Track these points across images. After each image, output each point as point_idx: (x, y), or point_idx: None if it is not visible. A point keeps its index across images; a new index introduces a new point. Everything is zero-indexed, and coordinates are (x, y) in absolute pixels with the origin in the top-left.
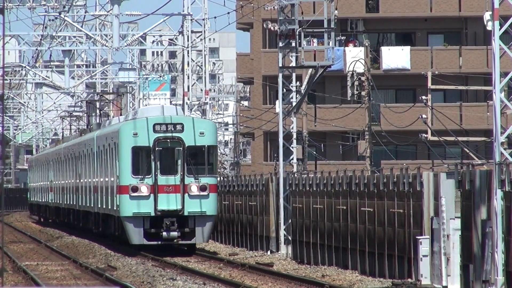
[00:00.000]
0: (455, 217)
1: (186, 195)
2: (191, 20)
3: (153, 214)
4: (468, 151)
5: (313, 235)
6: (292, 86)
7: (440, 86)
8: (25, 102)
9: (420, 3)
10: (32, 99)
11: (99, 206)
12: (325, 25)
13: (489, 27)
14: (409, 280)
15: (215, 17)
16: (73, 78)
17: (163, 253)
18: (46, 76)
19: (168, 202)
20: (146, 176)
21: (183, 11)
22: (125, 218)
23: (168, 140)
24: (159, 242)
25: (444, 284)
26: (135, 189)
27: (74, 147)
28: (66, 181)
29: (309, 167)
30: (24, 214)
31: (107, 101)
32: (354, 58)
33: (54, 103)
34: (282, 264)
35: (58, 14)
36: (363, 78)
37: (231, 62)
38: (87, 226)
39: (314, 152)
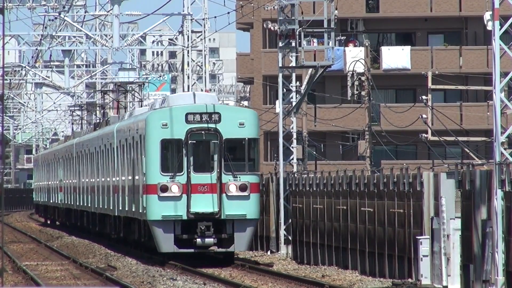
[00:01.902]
0: (455, 217)
1: (223, 195)
2: (191, 20)
3: (185, 217)
4: (468, 151)
5: (313, 235)
6: (292, 86)
7: (440, 86)
8: (25, 102)
9: (420, 3)
10: (32, 99)
11: (120, 208)
12: (325, 25)
13: (489, 27)
14: (409, 280)
15: (215, 17)
16: (73, 78)
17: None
18: (46, 76)
19: (203, 204)
20: (177, 174)
21: (183, 11)
22: (153, 222)
23: (203, 132)
24: (193, 250)
25: (444, 284)
26: (165, 188)
27: (88, 142)
28: (79, 180)
29: (309, 167)
30: (24, 214)
31: (125, 91)
32: (354, 58)
33: (54, 103)
34: (282, 264)
35: (58, 14)
36: (363, 78)
37: (231, 62)
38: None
39: (314, 152)
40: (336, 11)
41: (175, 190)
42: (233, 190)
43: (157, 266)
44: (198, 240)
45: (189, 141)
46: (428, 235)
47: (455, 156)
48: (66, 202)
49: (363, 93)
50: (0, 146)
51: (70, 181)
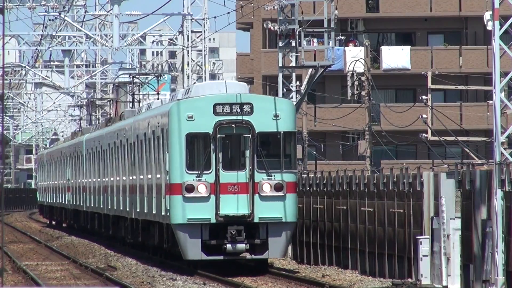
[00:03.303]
0: (455, 217)
1: (256, 196)
2: (191, 20)
3: (214, 220)
4: (468, 151)
5: (313, 235)
6: (292, 86)
7: (440, 86)
8: (25, 102)
9: (420, 3)
10: (32, 99)
11: (138, 210)
12: (325, 25)
13: (489, 27)
14: (409, 280)
15: (215, 17)
16: (73, 78)
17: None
18: (46, 76)
19: (233, 206)
20: (205, 172)
21: (183, 11)
22: (177, 227)
23: (233, 125)
24: (222, 257)
25: (444, 284)
26: (191, 188)
27: (100, 138)
28: (90, 180)
29: (309, 167)
30: (24, 214)
31: (140, 84)
32: (354, 58)
33: (54, 103)
34: (282, 264)
35: (58, 14)
36: (363, 78)
37: (231, 62)
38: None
39: (314, 152)
40: (336, 11)
41: (202, 190)
42: (267, 190)
43: (156, 266)
44: (228, 246)
45: (218, 135)
46: (428, 235)
47: (455, 156)
48: (74, 203)
49: (363, 93)
50: (0, 146)
51: (79, 180)
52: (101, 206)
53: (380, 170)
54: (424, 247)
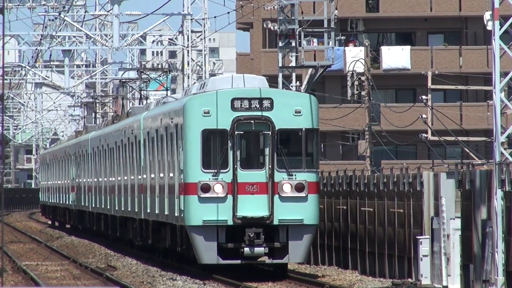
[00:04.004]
0: (455, 217)
1: (276, 196)
2: (191, 20)
3: (231, 222)
4: (468, 151)
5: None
6: (292, 86)
7: (440, 86)
8: (25, 102)
9: (420, 3)
10: (32, 99)
11: (149, 211)
12: (325, 25)
13: (489, 27)
14: (409, 280)
15: (215, 17)
16: (73, 78)
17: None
18: (46, 76)
19: (252, 207)
20: (222, 171)
21: (183, 11)
22: (192, 229)
23: (252, 121)
24: (239, 261)
25: (444, 284)
26: (207, 188)
27: (107, 136)
28: (96, 179)
29: None
30: (24, 214)
31: (148, 80)
32: (354, 58)
33: (54, 103)
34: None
35: (58, 14)
36: (363, 78)
37: (231, 62)
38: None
39: None
40: (336, 11)
41: (218, 190)
42: (287, 190)
43: (156, 266)
44: (246, 249)
45: (236, 132)
46: (428, 235)
47: (455, 156)
48: (79, 203)
49: (363, 93)
50: (0, 146)
51: (84, 180)
52: (108, 207)
53: (380, 170)
54: (424, 247)
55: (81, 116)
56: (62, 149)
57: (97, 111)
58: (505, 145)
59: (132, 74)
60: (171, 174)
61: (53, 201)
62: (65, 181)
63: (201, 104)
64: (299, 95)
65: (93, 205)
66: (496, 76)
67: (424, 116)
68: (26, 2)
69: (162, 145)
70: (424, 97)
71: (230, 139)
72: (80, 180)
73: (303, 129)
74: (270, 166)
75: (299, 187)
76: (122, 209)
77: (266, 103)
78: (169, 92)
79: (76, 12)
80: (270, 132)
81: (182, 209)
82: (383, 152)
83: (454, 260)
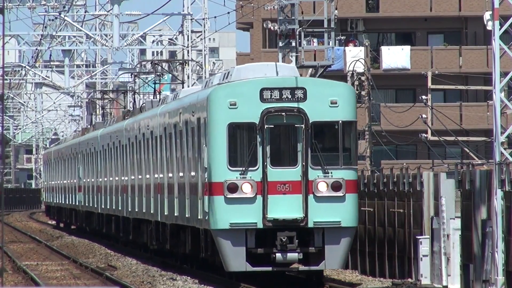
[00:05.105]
0: (455, 217)
1: (310, 196)
2: (191, 20)
3: (260, 225)
4: (468, 151)
5: None
6: None
7: (440, 86)
8: (25, 102)
9: (420, 3)
10: (32, 99)
11: (166, 213)
12: (325, 25)
13: (489, 27)
14: (409, 280)
15: (215, 17)
16: (73, 78)
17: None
18: (46, 76)
19: (284, 208)
20: (250, 169)
21: (183, 11)
22: (218, 232)
23: (283, 114)
24: (270, 269)
25: (444, 284)
26: (234, 188)
27: (118, 133)
28: (106, 179)
29: None
30: (24, 214)
31: (161, 73)
32: (354, 58)
33: (54, 103)
34: None
35: (58, 14)
36: (363, 78)
37: (231, 62)
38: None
39: None
40: (336, 11)
41: (247, 189)
42: (323, 189)
43: (156, 266)
44: (278, 255)
45: (266, 126)
46: (428, 235)
47: (455, 156)
48: (86, 204)
49: (363, 93)
50: (0, 146)
51: (93, 179)
52: (120, 208)
53: (380, 170)
54: (424, 247)
55: (81, 116)
56: (68, 147)
57: (105, 107)
58: (505, 145)
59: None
60: (193, 173)
61: (58, 201)
62: (72, 181)
63: (226, 95)
64: (336, 84)
65: (103, 206)
66: (496, 76)
67: (424, 116)
68: (26, 2)
69: (182, 141)
70: (424, 97)
71: (259, 133)
72: (88, 180)
73: (340, 121)
74: (303, 163)
75: (335, 186)
76: (136, 210)
77: (299, 94)
78: (185, 86)
79: (76, 12)
80: (303, 125)
81: (207, 211)
82: (383, 152)
83: (454, 260)
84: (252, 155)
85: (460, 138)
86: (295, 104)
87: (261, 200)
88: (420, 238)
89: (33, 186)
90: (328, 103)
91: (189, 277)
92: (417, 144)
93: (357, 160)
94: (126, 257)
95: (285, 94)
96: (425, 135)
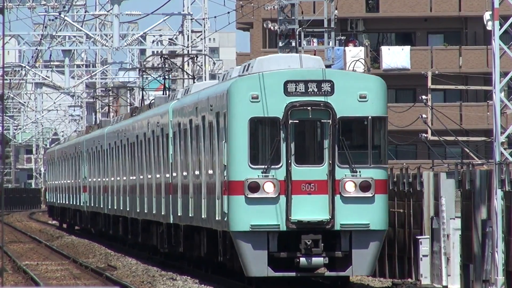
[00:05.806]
0: (455, 217)
1: (337, 197)
2: (191, 20)
3: (284, 228)
4: (468, 151)
5: None
6: None
7: (440, 86)
8: (25, 102)
9: (420, 3)
10: (32, 99)
11: (179, 214)
12: (325, 25)
13: (489, 27)
14: (409, 280)
15: (215, 17)
16: (73, 78)
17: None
18: (46, 76)
19: (309, 209)
20: (273, 167)
21: (183, 11)
22: (238, 235)
23: (309, 109)
24: (294, 274)
25: (444, 284)
26: (255, 187)
27: (127, 130)
28: (113, 178)
29: None
30: (24, 214)
31: (170, 69)
32: (354, 58)
33: (54, 103)
34: None
35: (58, 14)
36: None
37: (231, 62)
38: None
39: None
40: (336, 11)
41: (269, 189)
42: (351, 189)
43: (156, 266)
44: (302, 259)
45: (290, 121)
46: (428, 235)
47: (455, 156)
48: (92, 204)
49: None
50: (0, 146)
51: (99, 179)
52: (128, 209)
53: None
54: (424, 247)
55: (81, 116)
56: (72, 146)
57: (110, 104)
58: (505, 145)
59: (132, 74)
60: (210, 171)
61: (61, 201)
62: (76, 180)
63: (248, 88)
64: (365, 77)
65: (109, 207)
66: (496, 76)
67: (424, 116)
68: (26, 2)
69: (198, 138)
70: (424, 97)
71: (283, 129)
72: (94, 179)
73: (369, 117)
74: (330, 161)
75: (364, 186)
76: (146, 211)
77: (325, 87)
78: (196, 81)
79: (76, 12)
80: (330, 121)
81: (226, 212)
82: None
83: (454, 260)
84: (275, 152)
85: (460, 138)
86: (321, 98)
87: (285, 201)
88: (420, 238)
89: (33, 186)
90: (357, 97)
91: (189, 277)
92: (417, 144)
93: (387, 159)
94: (126, 257)
95: (311, 87)
96: (425, 135)
